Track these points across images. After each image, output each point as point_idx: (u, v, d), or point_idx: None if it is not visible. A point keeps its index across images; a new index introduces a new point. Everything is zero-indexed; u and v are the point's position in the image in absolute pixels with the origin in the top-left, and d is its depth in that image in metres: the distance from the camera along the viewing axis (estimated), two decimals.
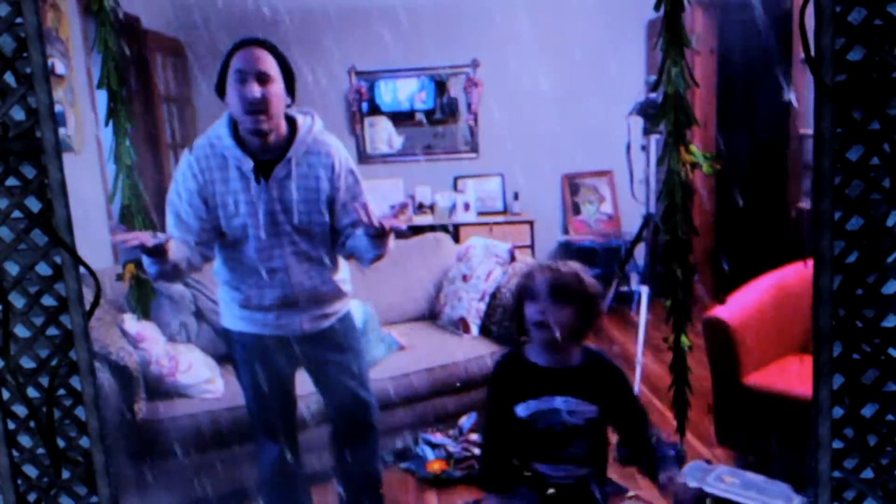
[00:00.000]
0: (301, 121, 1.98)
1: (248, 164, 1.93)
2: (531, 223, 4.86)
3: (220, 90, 1.94)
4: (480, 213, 4.94)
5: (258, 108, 1.86)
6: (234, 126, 1.94)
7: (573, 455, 1.64)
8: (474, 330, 3.29)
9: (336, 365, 2.15)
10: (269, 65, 1.88)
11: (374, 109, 4.95)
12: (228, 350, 2.23)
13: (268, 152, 1.94)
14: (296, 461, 2.24)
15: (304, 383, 2.26)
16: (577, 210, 5.11)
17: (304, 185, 1.97)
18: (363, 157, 4.93)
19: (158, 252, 1.83)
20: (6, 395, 1.51)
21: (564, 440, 1.62)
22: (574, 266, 1.64)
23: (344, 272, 2.13)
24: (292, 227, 1.97)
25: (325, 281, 2.06)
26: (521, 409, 1.62)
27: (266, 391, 2.12)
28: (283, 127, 1.95)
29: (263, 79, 1.86)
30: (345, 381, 2.16)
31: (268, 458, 2.20)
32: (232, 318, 2.10)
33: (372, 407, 2.22)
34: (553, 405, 1.62)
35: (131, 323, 2.69)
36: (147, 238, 1.77)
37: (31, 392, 1.51)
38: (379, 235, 1.88)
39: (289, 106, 1.96)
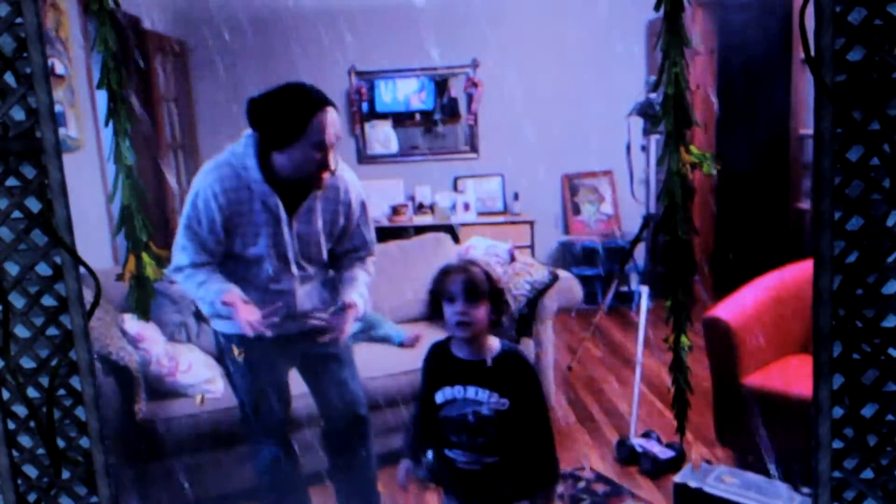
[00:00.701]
0: None
1: (276, 200, 1.95)
2: (531, 223, 4.87)
3: (282, 143, 1.90)
4: (480, 214, 4.94)
5: (324, 171, 1.92)
6: (258, 155, 1.94)
7: (481, 444, 1.72)
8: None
9: (331, 357, 2.19)
10: (340, 129, 1.95)
11: (374, 110, 4.95)
12: (222, 354, 2.23)
13: (291, 187, 1.96)
14: (294, 462, 2.25)
15: (297, 384, 2.28)
16: (577, 210, 5.11)
17: (323, 219, 2.04)
18: (363, 157, 4.94)
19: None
20: (6, 395, 1.51)
21: (474, 429, 1.72)
22: (482, 263, 1.73)
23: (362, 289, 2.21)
24: (305, 255, 2.05)
25: (323, 299, 2.15)
26: (439, 396, 1.75)
27: (263, 391, 2.14)
28: None
29: (334, 146, 1.92)
30: (338, 374, 2.21)
31: (266, 460, 2.21)
32: (229, 322, 2.09)
33: (363, 400, 2.27)
34: (465, 395, 1.72)
35: (131, 323, 2.69)
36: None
37: (31, 392, 1.51)
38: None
39: None
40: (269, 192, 1.93)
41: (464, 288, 1.67)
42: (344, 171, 2.06)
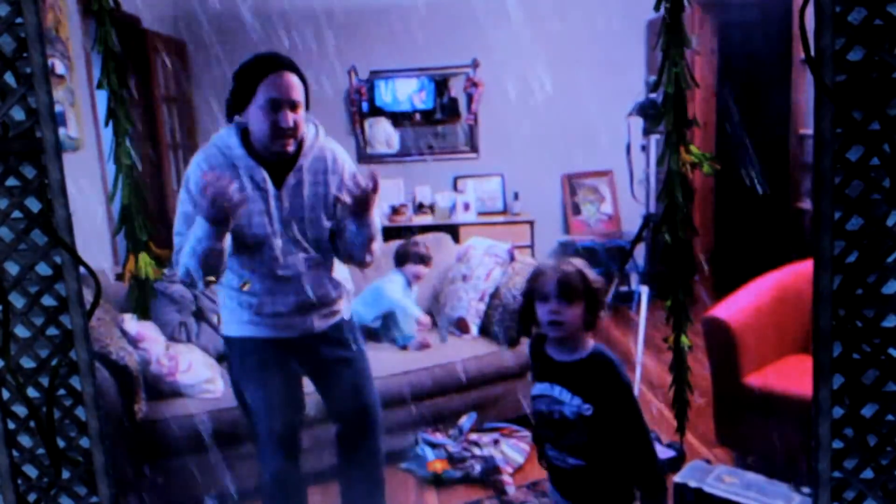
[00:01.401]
0: (307, 129, 2.00)
1: (261, 174, 1.93)
2: (531, 223, 4.86)
3: (236, 108, 1.92)
4: (480, 214, 4.94)
5: (288, 135, 1.90)
6: (242, 135, 1.94)
7: (566, 444, 1.72)
8: (474, 330, 3.29)
9: (344, 362, 2.16)
10: (299, 91, 1.91)
11: (375, 109, 4.95)
12: (230, 360, 2.18)
13: (277, 161, 1.95)
14: (298, 466, 2.20)
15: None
16: (577, 210, 5.11)
17: (313, 191, 2.00)
18: (363, 157, 4.93)
19: (227, 218, 1.81)
20: (6, 395, 1.51)
21: (558, 428, 1.72)
22: (577, 263, 1.72)
23: (344, 271, 2.16)
24: (304, 234, 2.00)
25: (335, 286, 2.10)
26: (534, 388, 1.78)
27: (274, 396, 2.09)
28: None
29: (295, 106, 1.89)
30: (351, 378, 2.17)
31: (273, 466, 2.14)
32: (238, 324, 2.07)
33: (377, 405, 2.22)
34: (552, 392, 1.72)
35: (131, 323, 2.69)
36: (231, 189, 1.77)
37: (31, 392, 1.51)
38: (359, 211, 1.91)
39: None
40: (254, 164, 1.93)
41: (557, 287, 1.67)
42: (331, 143, 2.04)
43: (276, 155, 1.94)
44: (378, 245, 2.05)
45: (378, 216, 2.02)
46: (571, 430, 1.69)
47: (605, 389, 1.69)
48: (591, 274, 1.71)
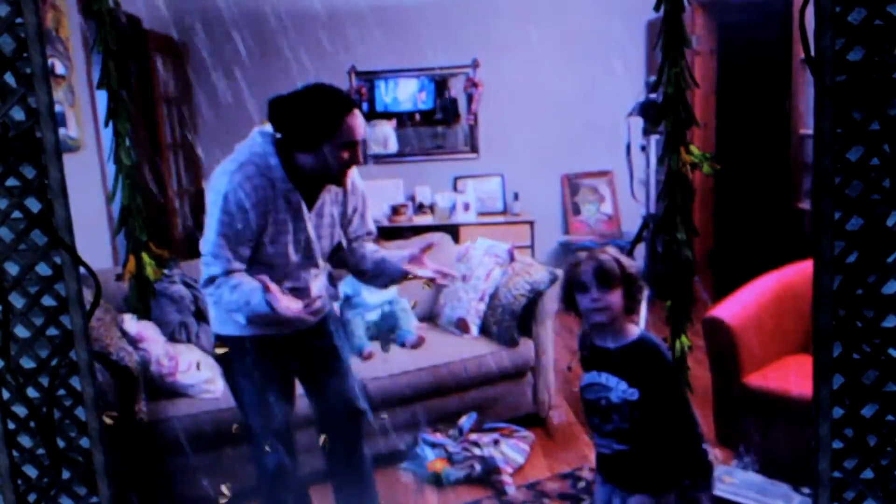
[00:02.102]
0: None
1: (297, 197, 1.97)
2: (531, 223, 4.86)
3: (313, 141, 1.92)
4: (480, 214, 4.94)
5: (347, 170, 1.97)
6: (280, 156, 1.95)
7: (612, 430, 1.77)
8: (474, 330, 3.29)
9: (331, 352, 2.22)
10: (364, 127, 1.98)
11: (374, 110, 4.95)
12: (223, 358, 2.17)
13: (308, 184, 1.99)
14: (295, 463, 2.24)
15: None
16: (577, 210, 5.11)
17: (331, 211, 2.07)
18: (363, 157, 4.93)
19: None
20: (6, 395, 1.51)
21: (604, 414, 1.78)
22: (611, 251, 1.78)
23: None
24: (319, 250, 2.07)
25: (330, 294, 2.19)
26: (583, 379, 1.84)
27: (270, 394, 2.13)
28: None
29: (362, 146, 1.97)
30: (339, 369, 2.22)
31: (272, 467, 2.18)
32: (233, 324, 2.06)
33: (360, 393, 2.30)
34: (599, 380, 1.79)
35: (131, 323, 2.69)
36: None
37: (31, 392, 1.51)
38: (405, 277, 2.08)
39: None
40: (293, 189, 1.95)
41: (595, 275, 1.73)
42: None
43: (316, 180, 1.98)
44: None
45: None
46: (615, 415, 1.76)
47: (652, 374, 1.75)
48: (626, 260, 1.77)
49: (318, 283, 2.12)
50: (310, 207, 2.00)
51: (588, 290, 1.74)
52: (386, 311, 3.28)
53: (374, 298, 3.26)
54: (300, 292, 2.04)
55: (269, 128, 1.97)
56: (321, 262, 2.09)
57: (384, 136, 4.96)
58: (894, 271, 1.45)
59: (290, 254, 2.00)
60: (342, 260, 2.21)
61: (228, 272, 1.93)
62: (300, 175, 1.95)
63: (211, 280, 1.95)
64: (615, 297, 1.73)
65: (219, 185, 1.91)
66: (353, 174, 2.10)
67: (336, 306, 2.54)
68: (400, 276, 2.11)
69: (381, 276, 2.16)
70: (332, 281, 2.25)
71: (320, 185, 2.01)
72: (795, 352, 2.71)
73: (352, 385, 2.27)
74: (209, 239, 1.92)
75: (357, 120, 1.92)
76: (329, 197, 2.05)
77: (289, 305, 1.89)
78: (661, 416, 1.74)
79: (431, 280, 2.08)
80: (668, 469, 1.77)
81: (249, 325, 2.05)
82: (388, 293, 3.30)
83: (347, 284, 3.25)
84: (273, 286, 1.88)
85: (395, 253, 2.16)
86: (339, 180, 1.99)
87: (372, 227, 2.21)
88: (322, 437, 2.29)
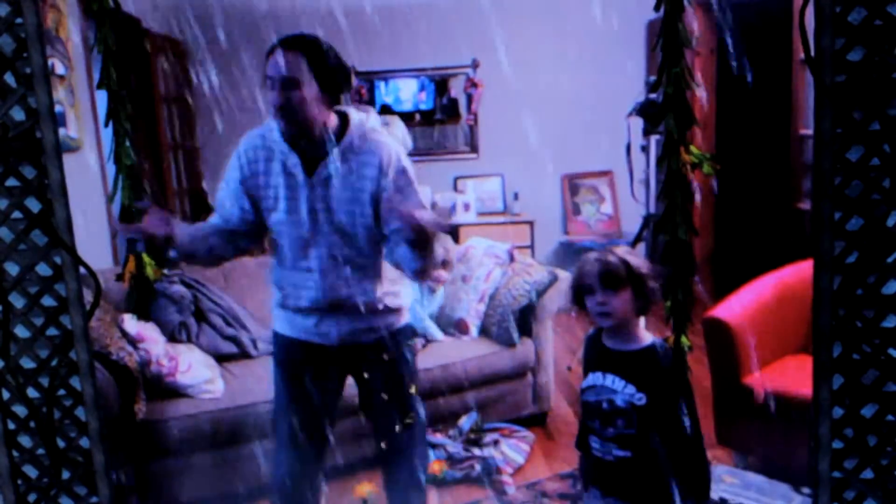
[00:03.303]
0: (354, 118, 1.91)
1: (293, 160, 1.87)
2: (531, 223, 4.87)
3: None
4: (480, 214, 4.94)
5: (283, 114, 1.82)
6: None
7: (614, 434, 1.73)
8: (474, 331, 3.29)
9: (379, 382, 2.05)
10: (297, 68, 1.78)
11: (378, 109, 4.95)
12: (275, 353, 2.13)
13: (315, 149, 1.87)
14: (317, 473, 2.10)
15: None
16: (577, 210, 5.11)
17: (349, 184, 1.87)
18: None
19: (165, 242, 1.87)
20: (6, 395, 1.51)
21: (606, 417, 1.73)
22: (619, 251, 1.73)
23: (394, 285, 2.01)
24: (332, 227, 1.88)
25: (364, 291, 1.94)
26: (584, 381, 1.79)
27: (298, 398, 2.01)
28: (332, 125, 1.88)
29: (288, 84, 1.79)
30: (387, 401, 2.05)
31: (284, 467, 2.06)
32: (278, 320, 2.04)
33: (421, 429, 2.13)
34: (603, 382, 1.74)
35: (131, 323, 2.69)
36: (148, 227, 1.86)
37: (31, 392, 1.51)
38: (419, 242, 1.73)
39: (336, 103, 1.89)
40: (288, 150, 1.87)
41: (600, 278, 1.69)
42: (378, 135, 1.92)
43: (305, 140, 1.86)
44: (438, 272, 2.00)
45: (440, 249, 1.86)
46: (619, 418, 1.71)
47: (659, 379, 1.71)
48: (635, 260, 1.72)
49: (339, 271, 1.90)
50: (309, 174, 1.87)
51: (594, 293, 1.71)
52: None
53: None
54: (312, 274, 1.91)
55: None
56: (341, 244, 1.89)
57: (402, 134, 4.96)
58: (894, 271, 1.45)
59: (293, 223, 1.89)
60: (390, 255, 1.93)
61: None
62: (289, 136, 1.87)
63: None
64: (621, 300, 1.69)
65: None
66: (383, 142, 1.90)
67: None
68: (414, 244, 1.75)
69: (400, 259, 1.86)
70: (376, 277, 1.96)
71: (321, 151, 1.86)
72: (795, 352, 2.71)
73: (413, 400, 2.09)
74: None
75: (275, 56, 1.78)
76: (342, 167, 1.86)
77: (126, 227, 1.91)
78: (668, 424, 1.70)
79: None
80: (667, 481, 1.73)
81: (286, 324, 2.01)
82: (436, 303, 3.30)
83: None
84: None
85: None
86: (281, 125, 1.84)
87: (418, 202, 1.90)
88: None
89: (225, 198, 1.96)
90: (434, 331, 3.26)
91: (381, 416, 2.10)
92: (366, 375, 2.05)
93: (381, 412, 2.09)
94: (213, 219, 2.00)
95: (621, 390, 1.71)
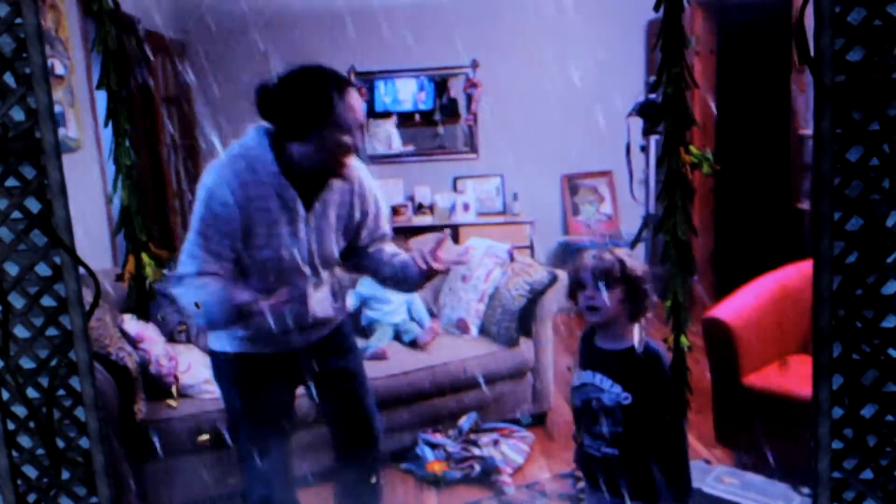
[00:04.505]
0: None
1: (293, 194, 1.80)
2: (531, 224, 4.86)
3: (306, 127, 1.74)
4: (480, 214, 4.94)
5: (349, 155, 1.80)
6: (272, 147, 1.79)
7: (601, 432, 1.76)
8: (473, 331, 3.29)
9: (344, 373, 2.08)
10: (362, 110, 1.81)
11: (374, 110, 4.94)
12: (217, 374, 2.05)
13: (313, 183, 1.83)
14: (290, 485, 2.12)
15: None
16: (576, 210, 5.11)
17: (337, 213, 1.90)
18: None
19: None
20: (6, 395, 1.51)
21: (595, 415, 1.76)
22: (618, 252, 1.76)
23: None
24: (321, 256, 1.89)
25: (336, 308, 2.02)
26: (575, 378, 1.83)
27: (267, 417, 1.98)
28: None
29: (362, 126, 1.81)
30: (354, 391, 2.09)
31: (264, 481, 2.02)
32: (228, 339, 1.92)
33: (376, 414, 2.14)
34: (592, 380, 1.77)
35: (131, 323, 2.69)
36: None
37: (31, 392, 1.51)
38: (427, 278, 1.91)
39: None
40: (286, 185, 1.77)
41: (593, 274, 1.72)
42: (354, 162, 1.90)
43: (315, 175, 1.82)
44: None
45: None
46: (606, 417, 1.74)
47: (645, 380, 1.73)
48: (632, 261, 1.75)
49: (318, 294, 1.94)
50: (307, 207, 1.83)
51: (586, 288, 1.74)
52: (410, 308, 3.29)
53: (397, 297, 3.25)
54: (296, 302, 1.86)
55: (266, 123, 1.81)
56: (322, 270, 1.92)
57: (387, 134, 4.96)
58: (894, 271, 1.45)
59: (283, 259, 1.81)
60: (360, 266, 2.06)
61: (200, 273, 1.76)
62: (296, 170, 1.77)
63: (180, 279, 1.79)
64: (611, 297, 1.71)
65: (206, 179, 1.78)
66: (362, 172, 1.95)
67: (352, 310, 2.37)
68: (422, 279, 1.92)
69: (405, 281, 1.98)
70: (339, 293, 2.07)
71: (320, 182, 1.84)
72: (795, 352, 2.71)
73: (369, 407, 2.12)
74: (188, 236, 1.78)
75: (352, 99, 1.74)
76: (333, 197, 1.88)
77: (267, 303, 1.75)
78: (651, 423, 1.72)
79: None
80: (653, 480, 1.75)
81: (249, 343, 1.91)
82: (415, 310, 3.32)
83: (365, 285, 3.25)
84: (248, 296, 1.75)
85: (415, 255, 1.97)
86: (339, 171, 1.80)
87: (387, 228, 2.04)
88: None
89: (216, 248, 1.77)
90: (423, 315, 3.33)
91: (340, 407, 2.14)
92: (322, 371, 2.03)
93: (339, 403, 2.13)
94: (211, 268, 1.78)
95: (608, 389, 1.74)
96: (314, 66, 1.79)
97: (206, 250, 1.76)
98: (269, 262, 1.83)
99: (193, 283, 1.77)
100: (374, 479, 2.22)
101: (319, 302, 1.95)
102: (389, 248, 2.05)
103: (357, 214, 1.95)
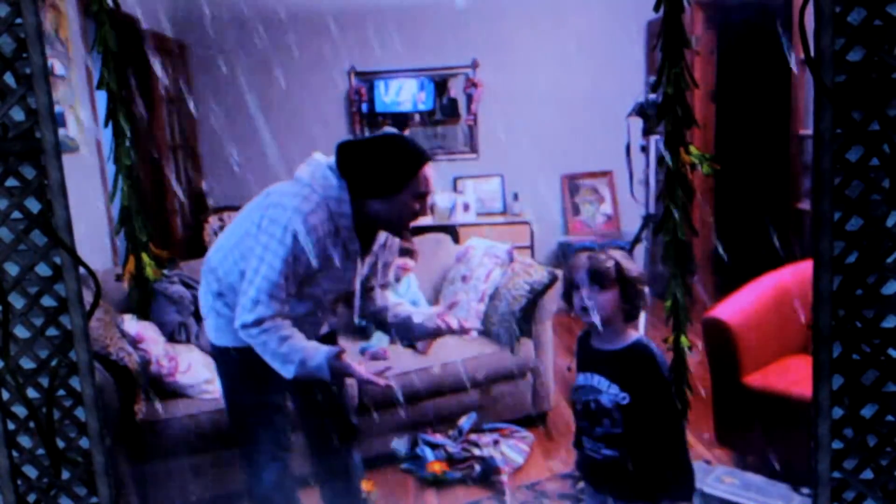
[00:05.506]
0: None
1: (356, 246, 1.95)
2: (531, 224, 4.86)
3: (386, 190, 1.87)
4: (480, 214, 4.94)
5: (417, 220, 1.96)
6: (353, 204, 1.90)
7: (601, 434, 1.75)
8: (473, 331, 3.29)
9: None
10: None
11: (374, 111, 4.94)
12: (220, 369, 2.13)
13: (366, 233, 1.98)
14: (291, 475, 2.21)
15: None
16: (576, 210, 5.11)
17: (371, 261, 2.07)
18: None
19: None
20: (6, 395, 1.51)
21: (594, 417, 1.76)
22: (614, 253, 1.76)
23: None
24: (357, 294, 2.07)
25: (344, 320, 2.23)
26: (576, 381, 1.83)
27: (273, 407, 2.09)
28: None
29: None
30: (332, 387, 2.17)
31: (271, 475, 2.13)
32: (231, 334, 1.96)
33: (353, 408, 2.29)
34: (591, 382, 1.77)
35: (131, 323, 2.69)
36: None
37: (31, 393, 1.51)
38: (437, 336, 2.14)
39: None
40: (355, 238, 1.93)
41: (587, 275, 1.72)
42: None
43: (377, 230, 1.99)
44: (405, 261, 2.21)
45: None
46: (605, 418, 1.74)
47: (644, 380, 1.73)
48: (628, 264, 1.75)
49: (332, 317, 2.13)
50: (363, 257, 1.99)
51: (580, 289, 1.74)
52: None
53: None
54: (312, 319, 2.02)
55: (323, 157, 1.92)
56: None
57: None
58: (894, 271, 1.45)
59: (328, 293, 1.99)
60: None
61: (276, 316, 1.85)
62: (365, 223, 1.92)
63: (258, 322, 1.84)
64: (606, 299, 1.71)
65: (288, 220, 1.81)
66: None
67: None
68: (430, 335, 2.17)
69: (408, 333, 2.18)
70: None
71: (375, 235, 2.01)
72: (795, 352, 2.71)
73: (345, 402, 2.24)
74: (268, 276, 1.82)
75: (430, 171, 1.91)
76: (375, 248, 2.05)
77: (369, 376, 1.92)
78: (649, 423, 1.72)
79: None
80: (655, 479, 1.75)
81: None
82: (409, 293, 3.30)
83: None
84: (342, 356, 1.90)
85: (421, 311, 2.18)
86: (402, 230, 1.99)
87: (392, 278, 2.27)
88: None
89: (291, 290, 1.87)
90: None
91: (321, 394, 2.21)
92: None
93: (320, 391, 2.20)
94: (283, 309, 1.87)
95: (606, 390, 1.74)
96: (399, 135, 1.95)
97: (286, 292, 1.86)
98: (314, 297, 1.98)
99: (277, 332, 1.86)
100: (354, 472, 2.31)
101: (331, 320, 2.14)
102: (392, 297, 2.22)
103: (380, 264, 2.12)
